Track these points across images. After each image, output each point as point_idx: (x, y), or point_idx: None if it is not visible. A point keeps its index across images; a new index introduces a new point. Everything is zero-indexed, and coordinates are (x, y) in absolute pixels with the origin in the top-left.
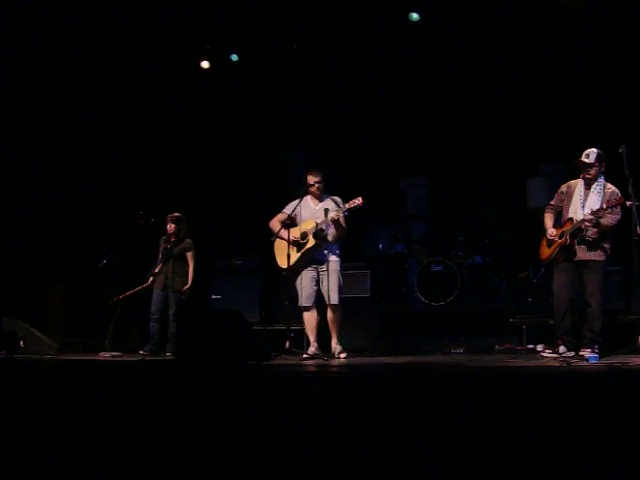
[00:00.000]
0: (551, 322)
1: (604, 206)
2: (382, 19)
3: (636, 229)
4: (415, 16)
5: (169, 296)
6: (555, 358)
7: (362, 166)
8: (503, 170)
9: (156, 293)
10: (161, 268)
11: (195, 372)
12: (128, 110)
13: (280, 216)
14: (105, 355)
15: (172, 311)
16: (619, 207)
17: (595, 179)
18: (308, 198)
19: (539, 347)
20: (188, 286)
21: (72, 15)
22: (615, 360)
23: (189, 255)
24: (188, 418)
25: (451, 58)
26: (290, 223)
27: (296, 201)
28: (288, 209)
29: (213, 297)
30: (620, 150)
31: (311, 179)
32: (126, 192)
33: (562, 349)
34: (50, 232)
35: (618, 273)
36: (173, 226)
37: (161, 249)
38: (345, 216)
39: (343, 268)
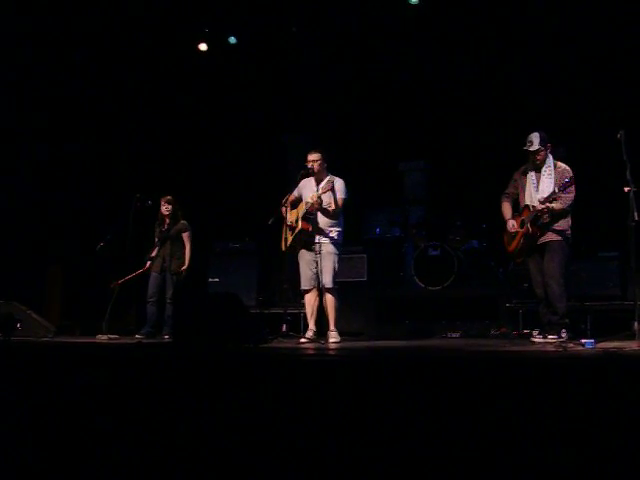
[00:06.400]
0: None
1: (556, 189)
2: (381, 1)
3: (634, 215)
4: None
5: (166, 278)
6: (549, 343)
7: (361, 149)
8: (502, 154)
9: (153, 276)
10: (158, 251)
11: (192, 355)
12: (126, 92)
13: (287, 196)
14: (102, 338)
15: (169, 294)
16: (572, 185)
17: (544, 162)
18: (312, 179)
19: (535, 332)
20: (185, 267)
21: None
22: (611, 345)
23: (185, 236)
24: (185, 400)
25: (449, 40)
26: (294, 205)
27: (302, 181)
28: (295, 189)
29: (210, 280)
30: (618, 135)
31: (309, 158)
32: (124, 175)
33: (564, 333)
34: (48, 215)
35: (615, 259)
36: (170, 207)
37: (156, 233)
38: (344, 199)
39: (340, 252)
